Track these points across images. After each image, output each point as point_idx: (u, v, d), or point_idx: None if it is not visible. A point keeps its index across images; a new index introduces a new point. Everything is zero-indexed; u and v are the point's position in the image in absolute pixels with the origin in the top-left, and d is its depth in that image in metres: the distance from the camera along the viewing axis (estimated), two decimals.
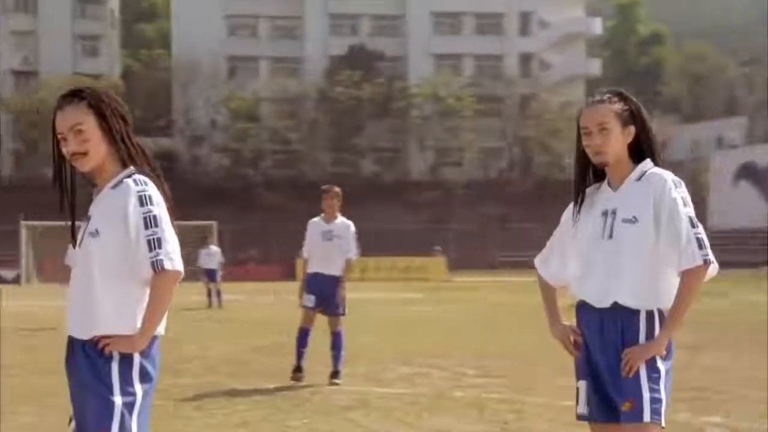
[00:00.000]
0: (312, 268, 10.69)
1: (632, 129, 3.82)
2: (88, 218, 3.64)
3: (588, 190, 3.95)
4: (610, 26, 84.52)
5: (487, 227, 58.19)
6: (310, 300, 10.52)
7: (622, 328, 3.74)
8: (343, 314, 10.66)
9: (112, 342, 3.51)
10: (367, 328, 15.92)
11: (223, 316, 21.87)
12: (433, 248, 48.37)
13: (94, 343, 3.54)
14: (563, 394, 9.56)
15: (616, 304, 3.75)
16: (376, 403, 8.90)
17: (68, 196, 3.68)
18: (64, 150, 3.59)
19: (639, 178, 3.81)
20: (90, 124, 3.55)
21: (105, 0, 73.69)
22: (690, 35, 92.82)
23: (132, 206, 3.50)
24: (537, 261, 4.18)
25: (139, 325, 3.54)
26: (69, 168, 3.65)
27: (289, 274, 44.23)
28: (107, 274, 3.53)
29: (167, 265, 3.49)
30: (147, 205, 3.51)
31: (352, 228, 10.76)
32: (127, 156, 3.62)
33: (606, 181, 3.90)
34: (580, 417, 3.91)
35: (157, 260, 3.48)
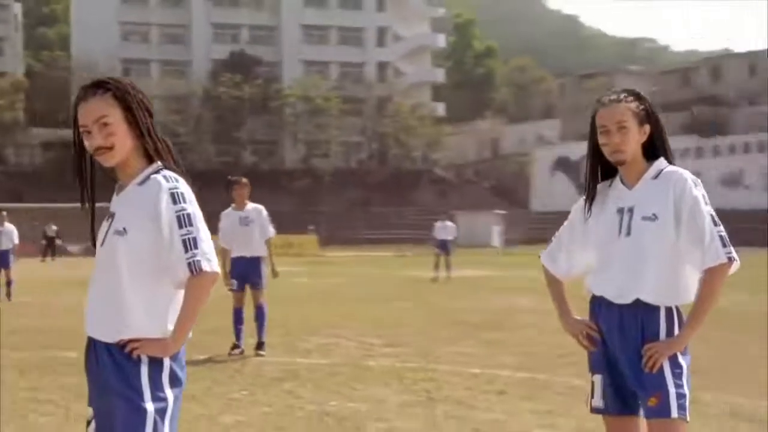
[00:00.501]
0: (235, 253, 10.01)
1: (647, 128, 3.27)
2: (111, 215, 2.88)
3: (598, 187, 3.37)
4: (451, 41, 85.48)
5: (351, 209, 58.04)
6: (234, 284, 9.91)
7: (643, 324, 3.18)
8: (265, 288, 10.08)
9: (141, 345, 2.76)
10: (271, 301, 15.18)
11: None
12: (307, 227, 47.65)
13: (120, 345, 2.79)
14: (466, 362, 9.18)
15: (637, 301, 3.18)
16: (305, 375, 8.23)
17: (89, 192, 2.92)
18: (87, 144, 2.81)
19: (656, 176, 3.24)
20: (116, 116, 2.78)
21: (9, 5, 69.78)
22: (515, 51, 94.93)
23: (164, 204, 2.76)
24: (544, 256, 3.55)
25: (170, 327, 2.80)
26: (89, 162, 2.89)
27: None
28: (136, 275, 2.78)
29: (205, 267, 2.76)
30: (180, 202, 2.77)
31: (264, 212, 10.14)
32: (153, 150, 2.86)
33: (618, 179, 3.33)
34: (595, 410, 3.33)
35: (194, 261, 2.74)
